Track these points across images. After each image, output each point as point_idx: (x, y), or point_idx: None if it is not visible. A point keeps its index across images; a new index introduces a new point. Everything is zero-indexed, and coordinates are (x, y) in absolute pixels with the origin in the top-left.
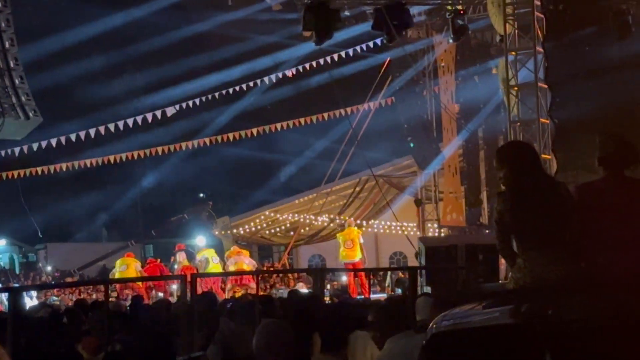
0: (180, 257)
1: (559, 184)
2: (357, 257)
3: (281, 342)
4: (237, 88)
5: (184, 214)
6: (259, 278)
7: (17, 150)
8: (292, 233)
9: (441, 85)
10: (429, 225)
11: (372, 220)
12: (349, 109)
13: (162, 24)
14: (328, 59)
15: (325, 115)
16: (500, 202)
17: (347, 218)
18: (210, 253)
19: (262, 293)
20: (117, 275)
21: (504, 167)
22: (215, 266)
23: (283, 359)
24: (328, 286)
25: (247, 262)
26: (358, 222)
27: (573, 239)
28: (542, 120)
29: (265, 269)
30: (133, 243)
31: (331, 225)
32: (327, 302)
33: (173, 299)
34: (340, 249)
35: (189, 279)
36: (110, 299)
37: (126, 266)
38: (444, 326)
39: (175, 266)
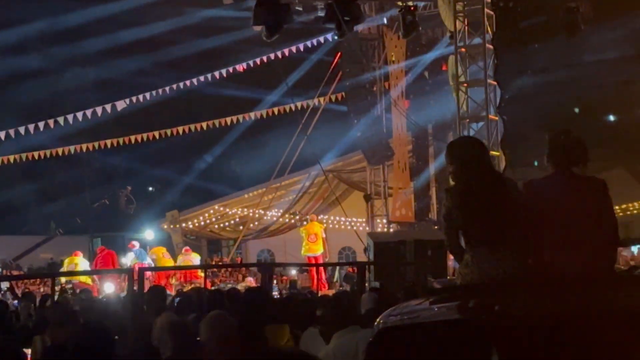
0: (129, 259)
1: (507, 181)
2: (320, 250)
3: (226, 333)
4: (188, 82)
5: (104, 199)
6: (208, 273)
7: None
8: (241, 227)
9: (391, 81)
10: (378, 220)
11: (322, 215)
12: (299, 104)
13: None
14: (279, 53)
15: (275, 110)
16: (448, 198)
17: (310, 214)
18: (160, 251)
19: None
20: None
21: (453, 163)
22: (167, 261)
23: (228, 349)
24: (275, 281)
25: (195, 262)
26: (307, 217)
27: (520, 236)
28: (491, 116)
29: (213, 263)
30: (60, 232)
31: (280, 220)
32: (275, 296)
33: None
34: (304, 242)
35: (136, 273)
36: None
37: (74, 265)
38: (391, 321)
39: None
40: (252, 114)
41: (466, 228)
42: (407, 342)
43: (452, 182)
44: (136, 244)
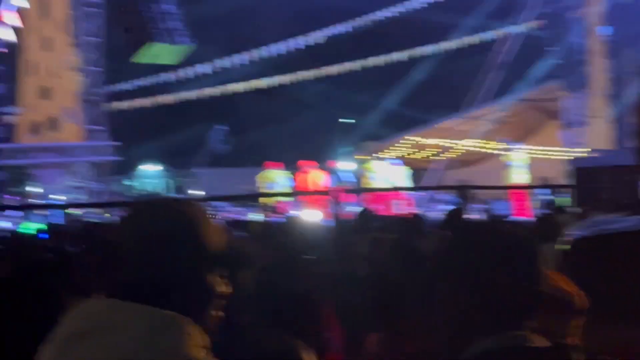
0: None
1: None
2: (526, 179)
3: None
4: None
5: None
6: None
7: (172, 75)
8: (436, 158)
9: (588, 8)
10: (576, 149)
11: (518, 145)
12: (494, 33)
13: None
14: None
15: (467, 39)
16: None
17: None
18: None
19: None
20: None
21: None
22: None
23: None
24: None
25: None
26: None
27: None
28: None
29: None
30: (194, 171)
31: (476, 150)
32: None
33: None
34: (510, 171)
35: (336, 195)
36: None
37: (270, 181)
38: (585, 232)
39: None
40: (445, 44)
41: None
42: (601, 251)
43: None
44: (338, 163)
